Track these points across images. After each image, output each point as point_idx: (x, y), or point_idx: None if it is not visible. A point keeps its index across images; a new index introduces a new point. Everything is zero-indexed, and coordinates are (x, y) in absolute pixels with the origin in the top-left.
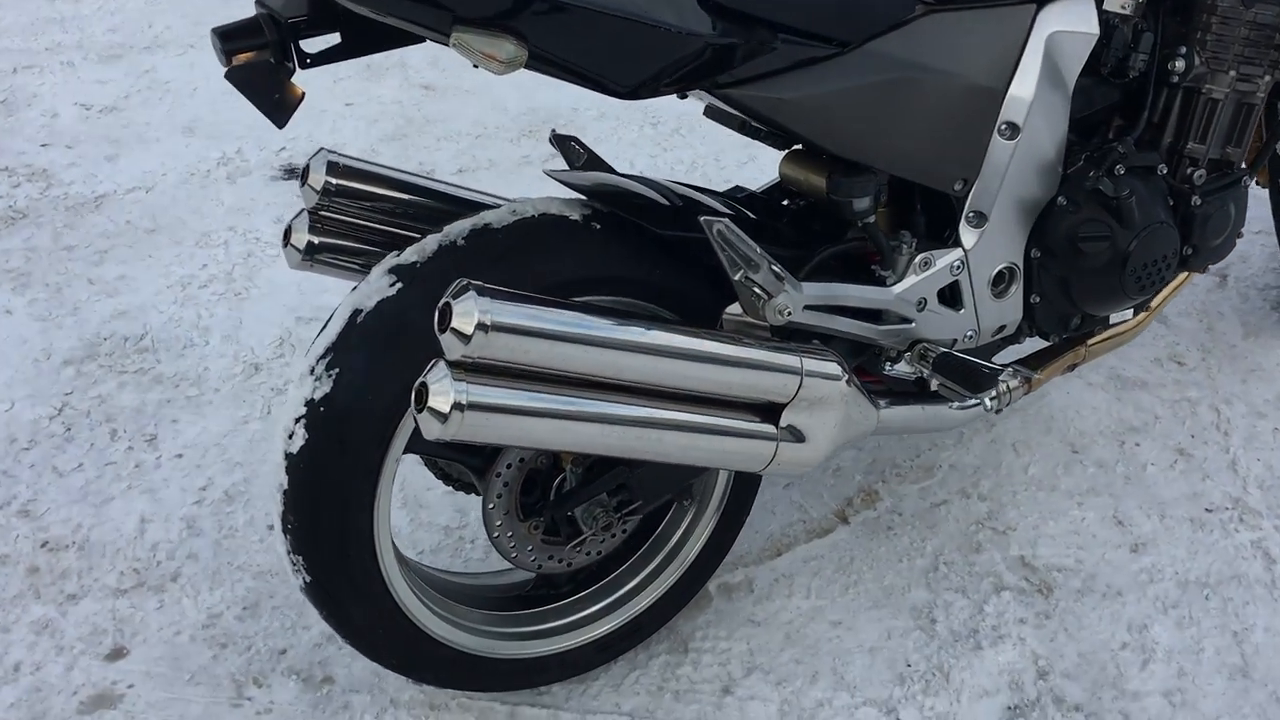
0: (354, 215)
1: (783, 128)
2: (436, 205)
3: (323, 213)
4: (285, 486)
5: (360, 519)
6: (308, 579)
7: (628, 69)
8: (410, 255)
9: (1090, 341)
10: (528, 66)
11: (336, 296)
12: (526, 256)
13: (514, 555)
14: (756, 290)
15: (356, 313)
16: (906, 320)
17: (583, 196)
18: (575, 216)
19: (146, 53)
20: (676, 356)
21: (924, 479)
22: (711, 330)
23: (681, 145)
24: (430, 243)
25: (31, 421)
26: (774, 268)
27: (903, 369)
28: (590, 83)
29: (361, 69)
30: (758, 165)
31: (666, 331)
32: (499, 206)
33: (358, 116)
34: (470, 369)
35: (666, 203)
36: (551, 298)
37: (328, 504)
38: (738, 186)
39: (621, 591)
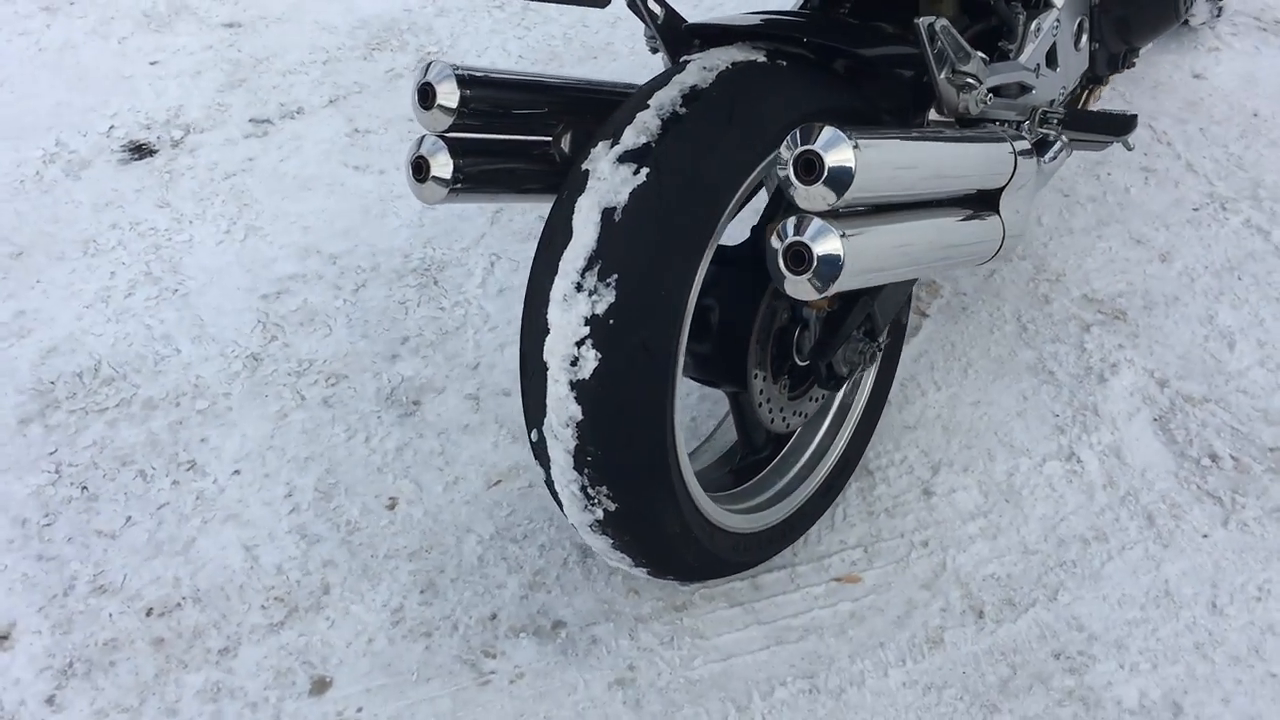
0: (484, 130)
1: None
2: (563, 100)
3: (452, 134)
4: (579, 418)
5: (663, 426)
6: (611, 508)
7: None
8: (632, 139)
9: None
10: None
11: (289, 264)
12: (751, 108)
13: (770, 419)
14: (969, 80)
15: (609, 211)
16: (1029, 89)
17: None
18: (762, 59)
19: None
20: (972, 160)
21: None
22: (958, 131)
23: (541, 21)
24: (648, 120)
25: (32, 494)
26: (981, 55)
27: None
28: None
29: (139, 22)
30: (626, 23)
31: (959, 141)
32: (639, 85)
33: (174, 73)
34: (837, 216)
35: (817, 28)
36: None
37: (636, 420)
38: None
39: (821, 434)
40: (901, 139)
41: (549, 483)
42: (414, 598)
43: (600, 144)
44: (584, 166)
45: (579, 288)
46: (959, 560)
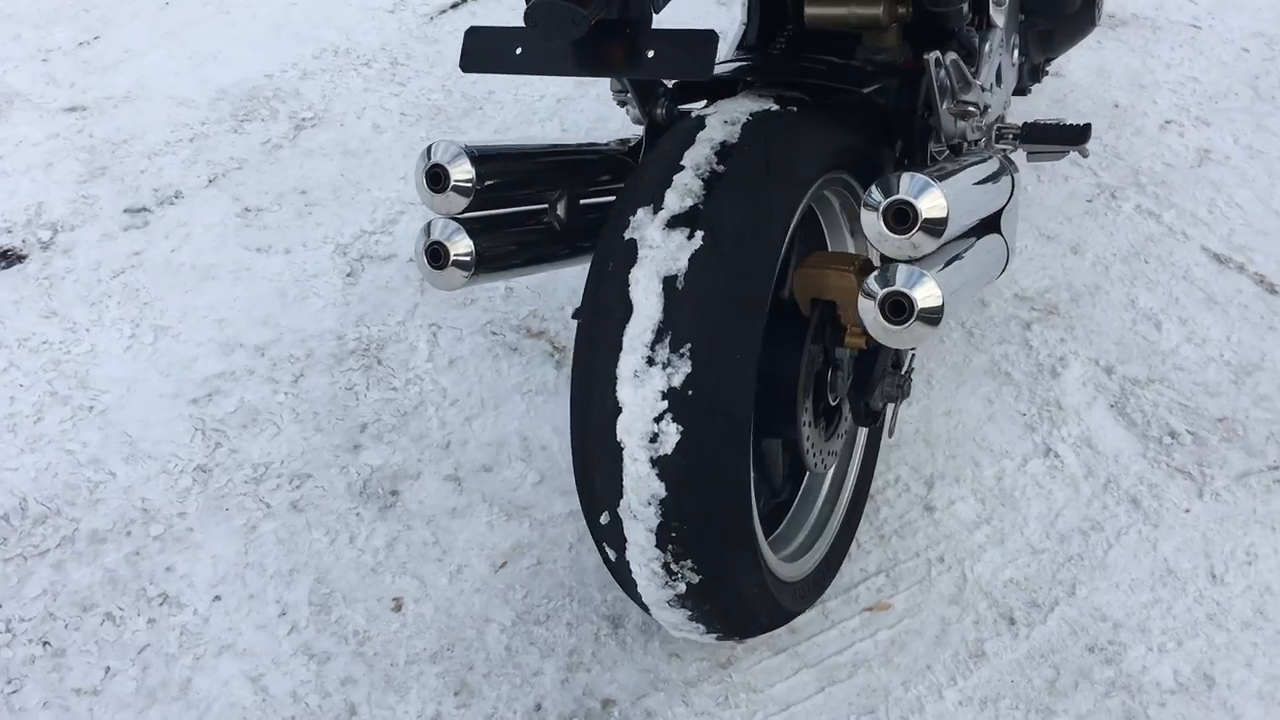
0: (495, 205)
1: None
2: (558, 166)
3: (464, 215)
4: (662, 494)
5: (747, 490)
6: (695, 580)
7: None
8: (677, 202)
9: None
10: None
11: (213, 362)
12: (783, 156)
13: (814, 462)
14: (969, 109)
15: (670, 280)
16: (988, 108)
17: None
18: (774, 106)
19: None
20: (993, 186)
21: None
22: (972, 159)
23: (414, 75)
24: (689, 181)
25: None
26: (981, 85)
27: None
28: None
29: None
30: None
31: (979, 168)
32: (624, 141)
33: (23, 168)
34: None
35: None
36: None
37: (723, 488)
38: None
39: (834, 468)
40: (956, 175)
41: (619, 564)
42: (449, 702)
43: (640, 211)
44: (627, 235)
45: (650, 362)
46: (977, 570)
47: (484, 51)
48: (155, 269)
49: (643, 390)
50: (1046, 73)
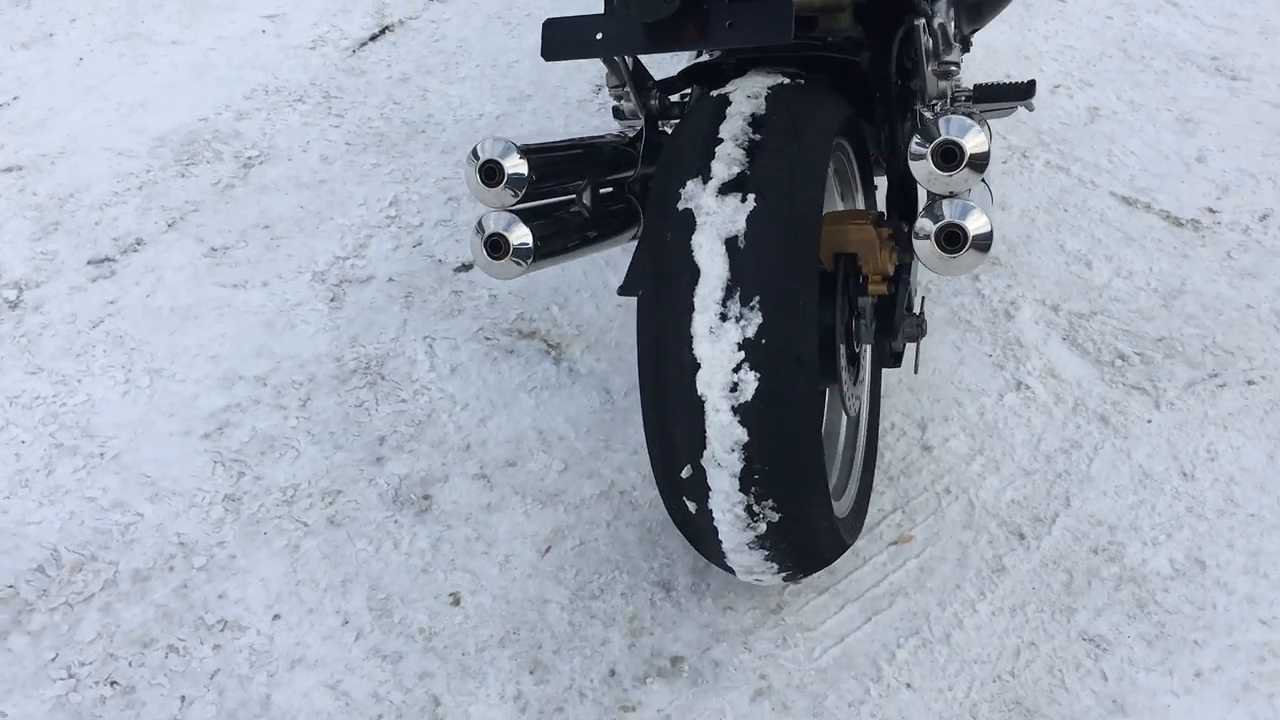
0: (541, 196)
1: None
2: (588, 157)
3: (518, 207)
4: (744, 440)
5: (819, 428)
6: (775, 519)
7: None
8: (725, 171)
9: None
10: None
11: (216, 397)
12: (807, 122)
13: (849, 406)
14: (951, 68)
15: (732, 240)
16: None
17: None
18: (785, 81)
19: None
20: None
21: None
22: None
23: (351, 106)
24: (731, 151)
25: (54, 708)
26: (958, 42)
27: None
28: None
29: None
30: (437, 97)
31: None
32: (621, 135)
33: None
34: None
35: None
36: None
37: (800, 429)
38: None
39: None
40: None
41: (700, 514)
42: (526, 681)
43: (690, 183)
44: (681, 206)
45: (723, 317)
46: (981, 496)
47: (565, 39)
48: (134, 315)
49: (719, 344)
50: (971, 44)
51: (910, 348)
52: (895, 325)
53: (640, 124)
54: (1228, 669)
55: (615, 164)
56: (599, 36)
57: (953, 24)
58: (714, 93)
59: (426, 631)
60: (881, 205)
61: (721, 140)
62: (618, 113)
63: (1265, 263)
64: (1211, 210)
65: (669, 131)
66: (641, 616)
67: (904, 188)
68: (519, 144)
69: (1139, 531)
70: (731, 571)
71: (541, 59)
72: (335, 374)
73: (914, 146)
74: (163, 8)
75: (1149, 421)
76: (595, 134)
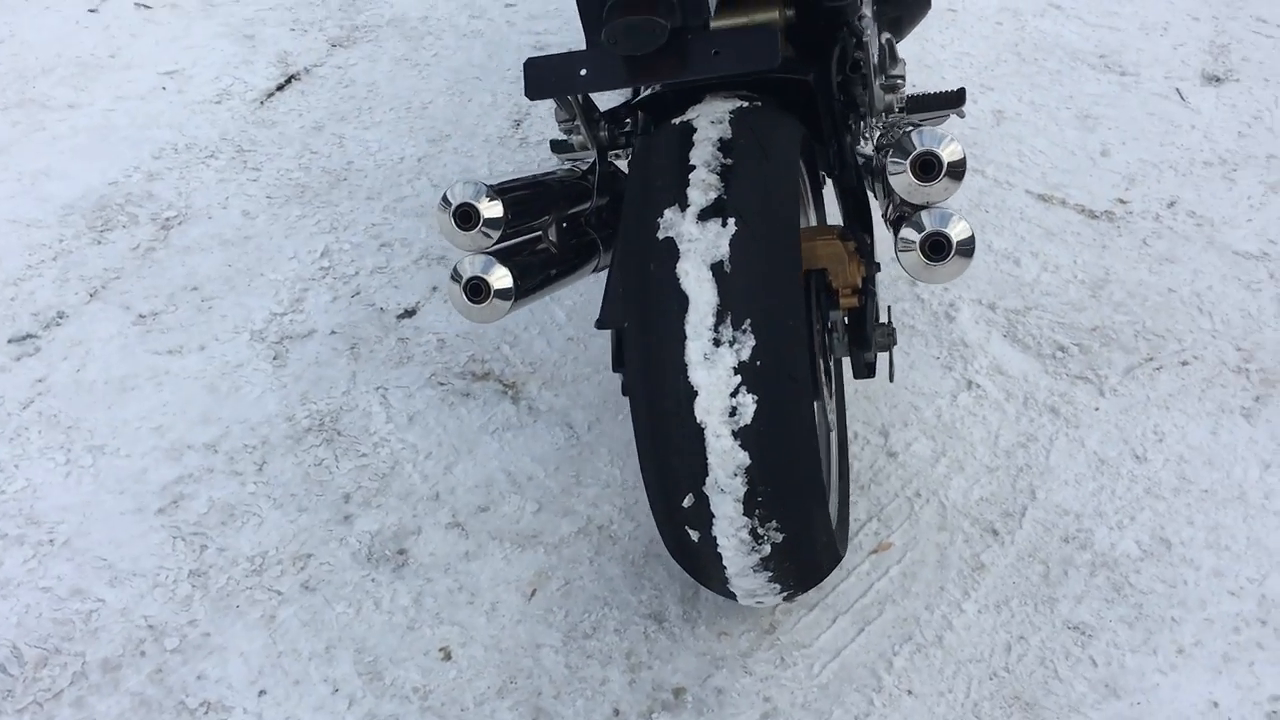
0: (509, 236)
1: None
2: (554, 193)
3: (493, 248)
4: (746, 463)
5: (817, 444)
6: (779, 539)
7: None
8: (701, 196)
9: None
10: None
11: (166, 470)
12: (772, 143)
13: (826, 419)
14: (899, 81)
15: (717, 266)
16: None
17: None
18: (744, 104)
19: None
20: None
21: None
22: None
23: (267, 159)
24: (705, 177)
25: None
26: (901, 58)
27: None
28: None
29: None
30: (353, 143)
31: None
32: (571, 170)
33: None
34: None
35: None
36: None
37: (799, 446)
38: None
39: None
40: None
41: (702, 543)
42: None
43: (667, 212)
44: (661, 235)
45: (717, 343)
46: (951, 497)
47: (548, 79)
48: (66, 392)
49: (715, 370)
50: None
51: (882, 356)
52: (868, 336)
53: (590, 156)
54: (1206, 642)
55: (574, 198)
56: (583, 73)
57: (877, 40)
58: (676, 120)
59: (421, 690)
60: (832, 219)
61: (694, 167)
62: (558, 146)
63: (1179, 248)
64: (1122, 201)
65: (618, 163)
66: (638, 651)
67: (857, 200)
68: (489, 186)
69: (1104, 517)
70: (732, 596)
71: (447, 105)
72: (289, 434)
73: (892, 161)
74: (53, 71)
75: (1096, 409)
76: (547, 169)
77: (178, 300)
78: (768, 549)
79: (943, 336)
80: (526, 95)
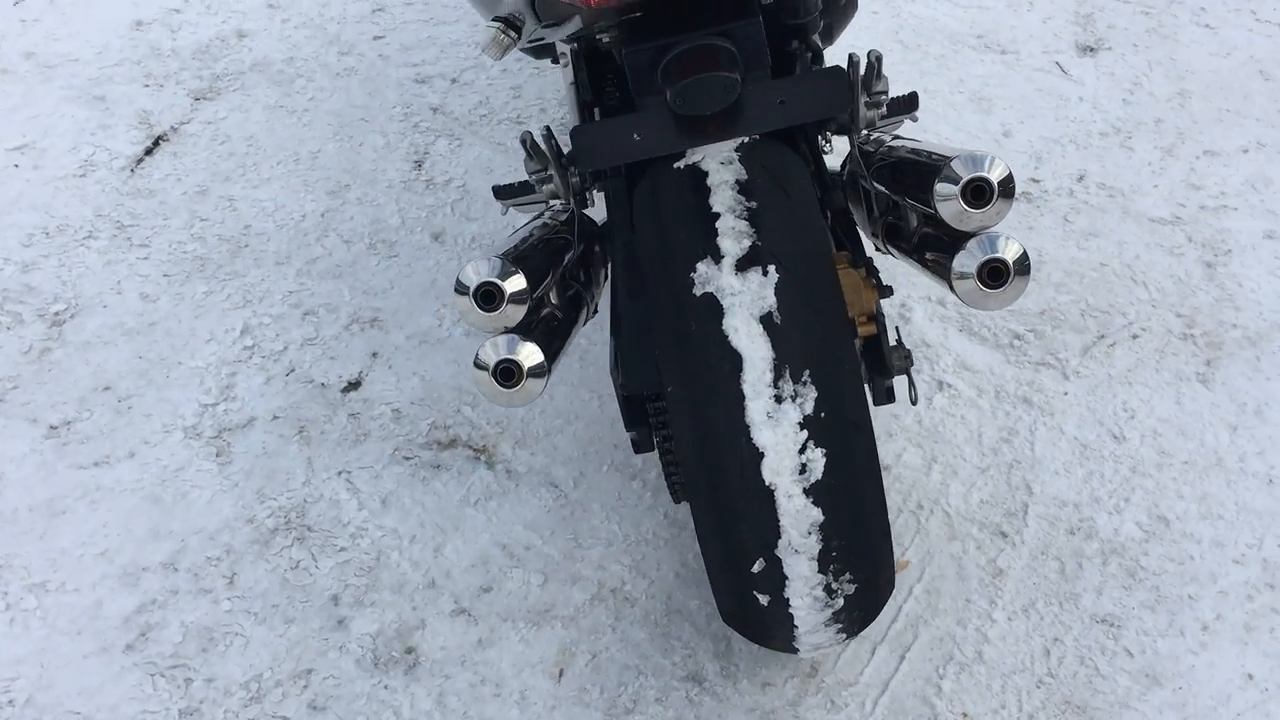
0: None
1: None
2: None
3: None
4: (820, 519)
5: (882, 487)
6: (851, 591)
7: None
8: (734, 245)
9: None
10: None
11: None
12: (788, 178)
13: None
14: (881, 96)
15: (766, 317)
16: None
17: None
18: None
19: None
20: None
21: None
22: None
23: (154, 232)
24: (733, 224)
25: None
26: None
27: None
28: None
29: None
30: (237, 212)
31: None
32: (549, 226)
33: None
34: None
35: None
36: None
37: (867, 494)
38: None
39: None
40: None
41: (772, 605)
42: None
43: (700, 266)
44: (699, 292)
45: (779, 399)
46: (953, 504)
47: (601, 147)
48: None
49: (781, 428)
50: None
51: (900, 378)
52: (887, 361)
53: (536, 201)
54: (1226, 615)
55: (560, 250)
56: (636, 138)
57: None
58: (679, 164)
59: None
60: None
61: (719, 214)
62: (503, 192)
63: (1098, 221)
64: (1035, 180)
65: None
66: (684, 717)
67: (846, 220)
68: (504, 258)
69: (1100, 503)
70: (794, 651)
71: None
72: (254, 538)
73: (940, 187)
74: None
75: (1065, 394)
76: (526, 224)
77: (90, 404)
78: (840, 602)
79: (903, 338)
80: (578, 165)
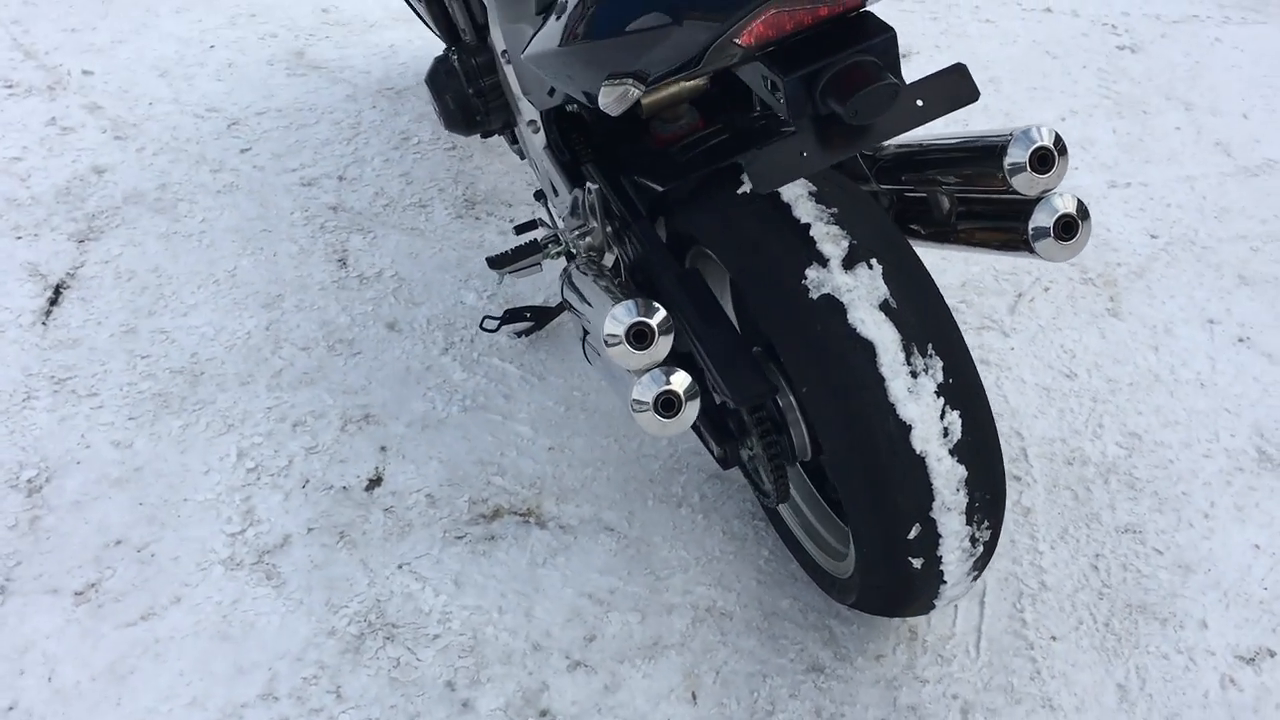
0: None
1: None
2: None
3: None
4: (966, 474)
5: (998, 438)
6: (987, 537)
7: None
8: (834, 248)
9: None
10: None
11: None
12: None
13: None
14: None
15: (885, 304)
16: None
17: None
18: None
19: None
20: None
21: None
22: None
23: (97, 381)
24: (826, 228)
25: None
26: None
27: None
28: None
29: None
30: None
31: None
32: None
33: None
34: None
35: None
36: None
37: (994, 444)
38: None
39: None
40: None
41: (926, 566)
42: None
43: (809, 272)
44: (815, 295)
45: (914, 374)
46: None
47: (775, 170)
48: (46, 709)
49: (921, 399)
50: None
51: None
52: None
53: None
54: (1218, 500)
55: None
56: (804, 155)
57: None
58: (741, 190)
59: None
60: None
61: (808, 224)
62: (495, 262)
63: None
64: None
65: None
66: (823, 707)
67: None
68: (632, 299)
69: (1080, 433)
70: (931, 609)
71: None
72: (343, 648)
73: (1011, 163)
74: None
75: (1012, 349)
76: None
77: (108, 561)
78: (980, 550)
79: None
80: (756, 190)
